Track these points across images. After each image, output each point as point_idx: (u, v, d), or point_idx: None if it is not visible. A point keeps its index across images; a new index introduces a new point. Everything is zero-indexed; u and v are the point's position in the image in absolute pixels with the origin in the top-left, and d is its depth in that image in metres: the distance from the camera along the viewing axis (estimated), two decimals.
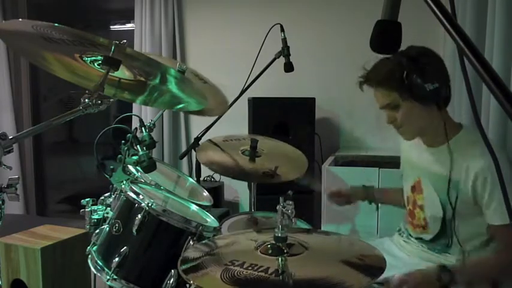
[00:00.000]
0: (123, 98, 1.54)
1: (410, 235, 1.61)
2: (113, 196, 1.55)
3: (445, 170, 1.42)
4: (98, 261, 1.35)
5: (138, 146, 1.38)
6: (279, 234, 1.08)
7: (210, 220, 1.53)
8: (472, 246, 1.45)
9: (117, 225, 1.36)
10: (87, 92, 1.19)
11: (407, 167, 1.65)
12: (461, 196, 1.41)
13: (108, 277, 1.30)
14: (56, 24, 1.12)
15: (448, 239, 1.47)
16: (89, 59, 1.31)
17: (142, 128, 1.53)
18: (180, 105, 1.73)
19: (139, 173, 1.55)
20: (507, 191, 1.29)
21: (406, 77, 1.32)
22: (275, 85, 2.93)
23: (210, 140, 1.90)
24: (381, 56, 1.42)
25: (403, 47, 0.82)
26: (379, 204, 1.94)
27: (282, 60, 2.10)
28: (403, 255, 1.60)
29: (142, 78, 1.45)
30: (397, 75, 1.35)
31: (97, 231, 1.44)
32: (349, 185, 1.92)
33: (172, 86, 1.50)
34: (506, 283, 1.48)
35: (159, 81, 1.45)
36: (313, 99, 3.03)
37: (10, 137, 1.02)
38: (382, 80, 1.42)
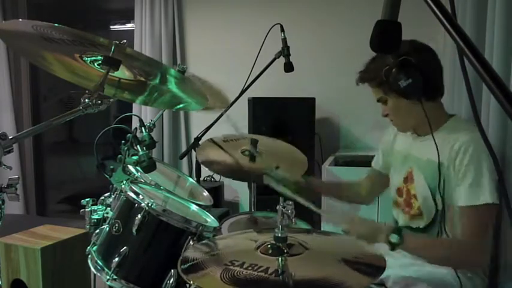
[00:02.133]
0: (123, 98, 1.54)
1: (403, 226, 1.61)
2: (113, 196, 1.55)
3: (433, 155, 1.43)
4: (98, 261, 1.35)
5: (138, 146, 1.38)
6: (279, 235, 1.08)
7: (210, 220, 1.53)
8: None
9: (117, 225, 1.36)
10: (87, 92, 1.19)
11: (399, 160, 1.66)
12: (448, 179, 1.42)
13: (108, 277, 1.30)
14: (56, 24, 1.12)
15: (440, 229, 1.47)
16: (89, 59, 1.31)
17: (142, 128, 1.53)
18: (180, 105, 1.73)
19: (139, 173, 1.55)
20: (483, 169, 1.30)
21: (385, 74, 1.37)
22: (275, 85, 2.93)
23: (211, 139, 1.90)
24: None
25: None
26: (379, 201, 1.95)
27: (282, 60, 2.10)
28: (397, 255, 1.60)
29: (142, 78, 1.45)
30: (378, 73, 1.41)
31: (97, 231, 1.44)
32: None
33: (172, 86, 1.50)
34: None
35: (159, 81, 1.45)
36: (313, 99, 3.04)
37: (10, 137, 1.02)
38: (368, 77, 1.50)
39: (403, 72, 1.35)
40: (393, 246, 1.33)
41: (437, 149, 1.40)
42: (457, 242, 1.39)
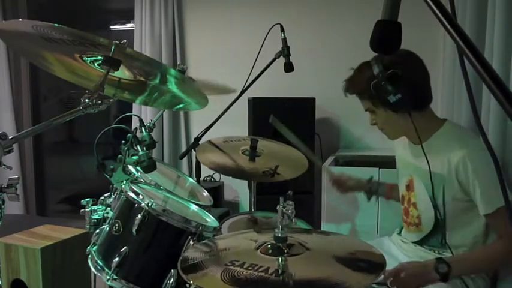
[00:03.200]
0: (123, 98, 1.54)
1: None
2: (113, 196, 1.55)
3: (427, 166, 1.43)
4: (98, 261, 1.35)
5: (138, 146, 1.38)
6: (279, 235, 1.08)
7: (210, 220, 1.53)
8: (465, 244, 1.46)
9: (117, 225, 1.36)
10: (87, 92, 1.19)
11: (401, 166, 1.67)
12: (448, 189, 1.42)
13: (108, 277, 1.30)
14: (56, 24, 1.12)
15: (441, 238, 1.47)
16: (89, 59, 1.31)
17: (142, 128, 1.53)
18: (180, 105, 1.73)
19: (139, 173, 1.55)
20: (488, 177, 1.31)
21: (373, 88, 1.36)
22: (275, 85, 2.93)
23: (209, 141, 1.90)
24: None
25: (403, 47, 0.82)
26: (378, 201, 1.95)
27: (282, 60, 2.10)
28: (402, 254, 1.61)
29: (142, 78, 1.45)
30: (365, 86, 1.39)
31: (97, 231, 1.44)
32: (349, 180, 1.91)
33: (173, 86, 1.50)
34: (504, 272, 1.49)
35: (159, 81, 1.45)
36: (313, 99, 3.03)
37: (10, 137, 1.02)
38: (355, 90, 1.50)
39: (391, 86, 1.33)
40: (445, 276, 1.34)
41: (427, 160, 1.40)
42: (496, 249, 1.41)
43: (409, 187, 1.57)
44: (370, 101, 1.46)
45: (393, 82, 1.33)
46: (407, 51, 1.43)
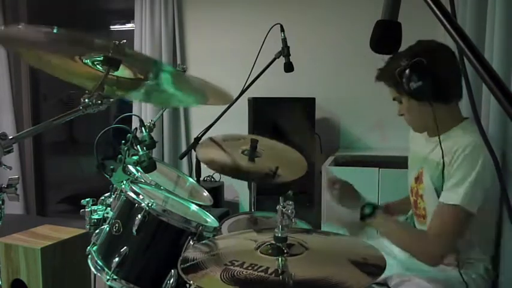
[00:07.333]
0: (119, 96, 1.53)
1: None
2: (113, 196, 1.56)
3: (438, 157, 1.43)
4: (98, 261, 1.35)
5: (138, 146, 1.39)
6: (279, 234, 1.08)
7: (210, 220, 1.53)
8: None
9: (117, 225, 1.36)
10: (87, 92, 1.19)
11: (412, 158, 1.67)
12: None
13: (108, 277, 1.30)
14: (55, 31, 1.11)
15: None
16: (89, 60, 1.31)
17: (142, 128, 1.53)
18: (178, 102, 1.72)
19: (139, 173, 1.55)
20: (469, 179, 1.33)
21: (398, 74, 1.37)
22: (275, 85, 2.93)
23: (210, 138, 1.90)
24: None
25: (403, 47, 0.82)
26: (379, 201, 1.94)
27: (282, 60, 2.10)
28: (401, 255, 1.60)
29: (140, 76, 1.44)
30: (392, 73, 1.40)
31: (97, 231, 1.44)
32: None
33: (169, 85, 1.49)
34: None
35: (155, 78, 1.44)
36: (313, 99, 3.03)
37: (10, 137, 1.02)
38: (384, 77, 1.50)
39: (414, 74, 1.35)
40: (364, 217, 1.47)
41: (442, 152, 1.40)
42: (419, 234, 1.48)
43: (418, 179, 1.58)
44: (395, 88, 1.47)
45: (416, 70, 1.35)
46: (441, 44, 1.45)
